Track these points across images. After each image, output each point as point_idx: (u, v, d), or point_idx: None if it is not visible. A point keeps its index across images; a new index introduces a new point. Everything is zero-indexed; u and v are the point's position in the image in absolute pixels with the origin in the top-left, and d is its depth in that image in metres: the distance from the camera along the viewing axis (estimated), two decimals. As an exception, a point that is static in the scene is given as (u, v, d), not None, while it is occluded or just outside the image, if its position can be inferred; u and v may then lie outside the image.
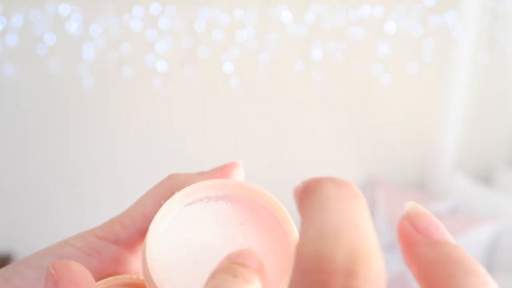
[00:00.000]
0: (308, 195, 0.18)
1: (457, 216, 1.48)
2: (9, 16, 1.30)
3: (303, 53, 1.50)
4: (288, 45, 1.48)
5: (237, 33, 1.43)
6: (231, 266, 0.21)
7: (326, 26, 1.46)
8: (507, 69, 1.61)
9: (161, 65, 1.41)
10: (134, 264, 0.28)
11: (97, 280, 0.25)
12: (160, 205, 0.26)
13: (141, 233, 0.27)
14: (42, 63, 1.35)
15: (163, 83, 1.44)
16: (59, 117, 1.44)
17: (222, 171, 0.28)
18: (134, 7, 1.35)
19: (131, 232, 0.27)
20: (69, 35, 1.34)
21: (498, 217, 1.38)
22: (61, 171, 1.48)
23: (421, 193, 1.63)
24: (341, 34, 1.48)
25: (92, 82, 1.40)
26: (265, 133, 1.58)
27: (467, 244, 1.36)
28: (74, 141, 1.47)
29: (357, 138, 1.67)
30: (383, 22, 1.49)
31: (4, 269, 0.25)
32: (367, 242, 0.15)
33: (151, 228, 0.24)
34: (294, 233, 0.25)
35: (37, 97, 1.40)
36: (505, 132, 1.70)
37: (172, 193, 0.26)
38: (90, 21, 1.33)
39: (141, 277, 0.26)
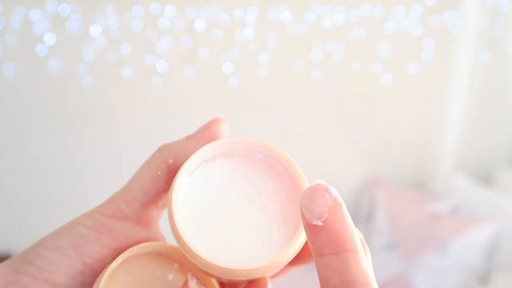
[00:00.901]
0: None
1: (457, 216, 1.47)
2: (9, 16, 1.30)
3: (303, 53, 1.50)
4: (288, 45, 1.48)
5: (237, 33, 1.43)
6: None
7: (326, 26, 1.46)
8: (507, 69, 1.61)
9: (161, 65, 1.41)
10: (144, 236, 0.29)
11: (114, 257, 0.27)
12: (157, 177, 0.28)
13: (144, 206, 0.28)
14: (42, 63, 1.35)
15: (163, 83, 1.44)
16: (59, 117, 1.44)
17: (208, 130, 0.29)
18: (134, 7, 1.35)
19: (135, 207, 0.28)
20: (69, 35, 1.34)
21: (498, 217, 1.38)
22: (61, 171, 1.48)
23: (421, 193, 1.63)
24: (341, 34, 1.48)
25: (92, 82, 1.40)
26: (264, 133, 1.58)
27: (467, 244, 1.36)
28: (74, 141, 1.47)
29: (357, 138, 1.67)
30: (383, 22, 1.49)
31: (23, 252, 0.26)
32: None
33: (173, 209, 0.25)
34: (293, 165, 0.27)
35: (37, 97, 1.40)
36: (505, 132, 1.70)
37: (167, 163, 0.28)
38: (90, 21, 1.33)
39: (164, 244, 0.28)
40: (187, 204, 0.26)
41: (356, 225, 0.23)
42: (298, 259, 0.28)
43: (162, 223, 0.31)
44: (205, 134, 0.28)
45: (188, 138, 0.29)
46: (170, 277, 0.28)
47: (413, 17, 1.49)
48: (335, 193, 0.22)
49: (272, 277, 0.28)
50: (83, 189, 1.51)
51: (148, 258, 0.28)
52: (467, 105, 1.59)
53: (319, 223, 0.22)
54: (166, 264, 0.29)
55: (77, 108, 1.44)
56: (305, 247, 0.27)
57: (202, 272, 0.27)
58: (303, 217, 0.22)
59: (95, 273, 0.26)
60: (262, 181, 0.27)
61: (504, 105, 1.66)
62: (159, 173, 0.28)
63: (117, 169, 1.52)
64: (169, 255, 0.29)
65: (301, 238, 0.25)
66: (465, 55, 1.50)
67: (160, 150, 0.29)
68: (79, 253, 0.26)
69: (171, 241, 0.29)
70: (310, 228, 0.22)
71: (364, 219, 1.61)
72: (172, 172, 0.28)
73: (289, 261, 0.26)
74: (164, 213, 0.30)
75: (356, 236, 0.22)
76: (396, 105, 1.67)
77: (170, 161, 0.28)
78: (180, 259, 0.29)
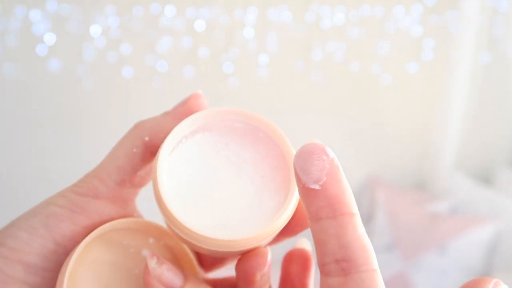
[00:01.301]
0: None
1: (457, 216, 1.47)
2: (9, 16, 1.30)
3: (303, 53, 1.50)
4: (288, 45, 1.48)
5: (237, 33, 1.43)
6: None
7: (326, 26, 1.46)
8: (507, 69, 1.61)
9: (161, 65, 1.41)
10: (119, 214, 0.28)
11: (86, 234, 0.26)
12: (133, 154, 0.27)
13: (119, 184, 0.27)
14: (42, 63, 1.35)
15: (163, 83, 1.44)
16: (59, 117, 1.44)
17: (185, 106, 0.28)
18: (134, 7, 1.35)
19: (110, 185, 0.27)
20: (69, 35, 1.34)
21: (498, 217, 1.38)
22: (60, 171, 1.48)
23: (421, 193, 1.63)
24: (341, 34, 1.48)
25: (92, 82, 1.40)
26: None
27: (467, 244, 1.36)
28: (74, 141, 1.47)
29: (357, 138, 1.67)
30: (383, 22, 1.49)
31: None
32: None
33: (160, 188, 0.25)
34: (275, 130, 0.27)
35: (37, 97, 1.40)
36: (505, 132, 1.70)
37: (142, 140, 0.27)
38: (90, 21, 1.33)
39: (138, 219, 0.28)
40: (172, 182, 0.25)
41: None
42: (290, 230, 0.27)
43: (143, 204, 0.30)
44: (182, 110, 0.28)
45: (165, 114, 0.28)
46: (145, 252, 0.28)
47: (413, 17, 1.49)
48: (332, 154, 0.22)
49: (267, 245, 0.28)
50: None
51: (121, 235, 0.27)
52: (467, 105, 1.59)
53: (317, 186, 0.21)
54: (140, 239, 0.28)
55: (77, 108, 1.44)
56: (297, 215, 0.26)
57: (189, 246, 0.26)
58: (299, 180, 0.21)
59: (68, 252, 0.26)
60: (245, 150, 0.27)
61: (504, 105, 1.66)
62: (134, 150, 0.27)
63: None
64: (144, 230, 0.28)
65: (293, 203, 0.25)
66: (465, 55, 1.50)
67: (135, 127, 0.29)
68: (51, 232, 0.26)
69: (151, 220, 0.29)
70: (307, 192, 0.21)
71: (364, 219, 1.61)
72: (148, 149, 0.28)
73: (282, 227, 0.25)
74: (141, 192, 0.29)
75: (352, 198, 0.22)
76: (396, 105, 1.67)
77: (146, 138, 0.27)
78: (155, 234, 0.28)
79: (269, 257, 0.25)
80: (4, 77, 1.36)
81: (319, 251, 0.21)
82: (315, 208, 0.21)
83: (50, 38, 1.32)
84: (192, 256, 0.29)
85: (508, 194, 1.49)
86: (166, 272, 0.24)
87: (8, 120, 1.42)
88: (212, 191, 0.25)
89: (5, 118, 1.42)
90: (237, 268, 0.26)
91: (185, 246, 0.28)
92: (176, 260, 0.29)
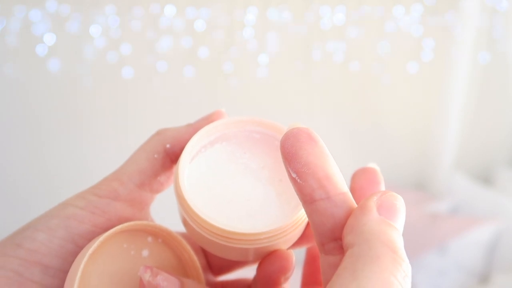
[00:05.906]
0: None
1: (457, 216, 1.47)
2: (9, 16, 1.30)
3: (303, 53, 1.50)
4: (288, 45, 1.48)
5: (237, 33, 1.43)
6: None
7: (326, 26, 1.46)
8: (507, 69, 1.61)
9: (161, 65, 1.41)
10: (136, 218, 0.28)
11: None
12: (154, 159, 0.28)
13: (140, 187, 0.28)
14: (42, 63, 1.35)
15: (163, 83, 1.44)
16: (59, 117, 1.44)
17: (209, 120, 0.29)
18: (134, 7, 1.35)
19: (130, 188, 0.28)
20: (69, 35, 1.34)
21: (498, 217, 1.38)
22: (60, 171, 1.48)
23: (421, 193, 1.63)
24: (341, 34, 1.48)
25: (92, 82, 1.40)
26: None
27: (467, 244, 1.36)
28: (74, 141, 1.47)
29: (356, 138, 1.67)
30: (383, 22, 1.49)
31: (11, 235, 0.26)
32: None
33: (184, 193, 0.25)
34: None
35: (37, 97, 1.40)
36: (505, 132, 1.71)
37: (164, 147, 0.28)
38: (90, 21, 1.33)
39: (156, 225, 0.28)
40: (193, 186, 0.26)
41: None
42: (309, 236, 0.27)
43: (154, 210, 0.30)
44: (205, 124, 0.28)
45: (188, 126, 0.29)
46: (145, 253, 0.28)
47: (413, 17, 1.49)
48: (317, 137, 0.23)
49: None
50: (82, 188, 1.51)
51: (121, 239, 0.27)
52: (466, 105, 1.59)
53: (307, 170, 0.22)
54: (139, 240, 0.28)
55: (77, 108, 1.44)
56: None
57: (207, 247, 0.26)
58: (288, 165, 0.22)
59: None
60: (262, 157, 0.28)
61: (504, 105, 1.67)
62: (155, 156, 0.28)
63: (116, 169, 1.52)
64: (142, 230, 0.28)
65: None
66: (465, 55, 1.50)
67: (158, 133, 0.29)
68: (71, 234, 0.26)
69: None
70: (298, 176, 0.22)
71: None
72: (168, 156, 0.28)
73: (304, 222, 0.26)
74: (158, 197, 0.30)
75: (342, 178, 0.22)
76: (396, 105, 1.67)
77: (168, 146, 0.28)
78: (153, 232, 0.28)
79: (293, 260, 0.26)
80: (4, 77, 1.36)
81: (317, 232, 0.22)
82: (308, 191, 0.21)
83: (50, 38, 1.32)
84: (189, 248, 0.29)
85: (508, 194, 1.49)
86: (162, 283, 0.25)
87: (8, 120, 1.42)
88: (232, 194, 0.26)
89: (5, 118, 1.42)
90: (259, 271, 0.27)
91: (183, 240, 0.29)
92: (175, 255, 0.29)
